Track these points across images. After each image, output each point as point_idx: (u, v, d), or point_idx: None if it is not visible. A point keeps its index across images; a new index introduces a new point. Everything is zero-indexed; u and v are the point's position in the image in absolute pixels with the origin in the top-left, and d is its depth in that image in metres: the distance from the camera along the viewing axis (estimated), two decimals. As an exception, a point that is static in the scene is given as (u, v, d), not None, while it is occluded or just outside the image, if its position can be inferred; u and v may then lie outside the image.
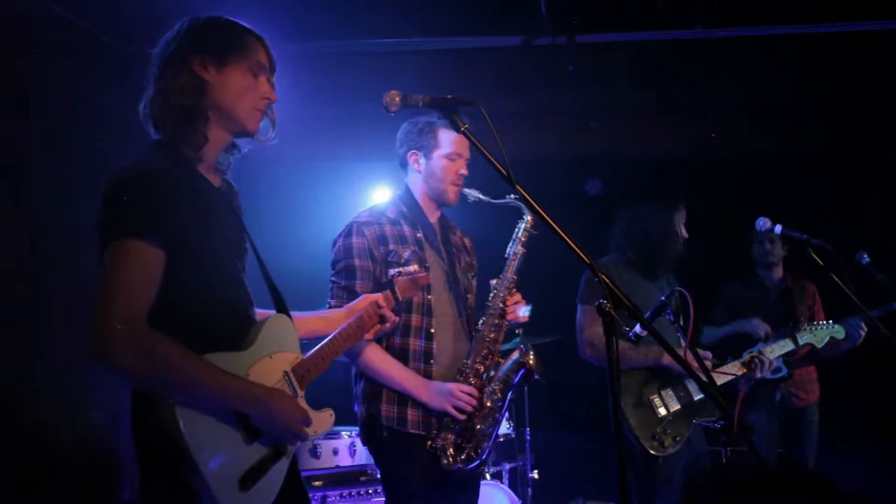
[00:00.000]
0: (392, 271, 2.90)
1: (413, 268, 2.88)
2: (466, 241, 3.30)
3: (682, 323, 3.04)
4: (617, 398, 2.13)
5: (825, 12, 4.63)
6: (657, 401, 3.58)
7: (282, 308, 2.35)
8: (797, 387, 4.67)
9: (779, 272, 4.93)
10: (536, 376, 3.02)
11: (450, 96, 2.24)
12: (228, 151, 2.26)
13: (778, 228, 3.86)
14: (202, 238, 2.05)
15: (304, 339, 2.41)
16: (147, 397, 1.96)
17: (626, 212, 3.88)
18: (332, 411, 2.37)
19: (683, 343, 2.93)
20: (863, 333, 4.29)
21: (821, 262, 3.69)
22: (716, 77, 5.20)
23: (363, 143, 5.32)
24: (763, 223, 3.90)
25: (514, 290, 3.09)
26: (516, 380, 3.01)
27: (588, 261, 2.16)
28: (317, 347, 2.38)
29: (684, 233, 3.79)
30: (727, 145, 5.63)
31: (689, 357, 2.78)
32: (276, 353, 2.22)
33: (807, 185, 5.64)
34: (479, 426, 2.93)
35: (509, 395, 3.02)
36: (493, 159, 2.28)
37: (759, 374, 3.80)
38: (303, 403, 2.24)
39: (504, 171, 2.25)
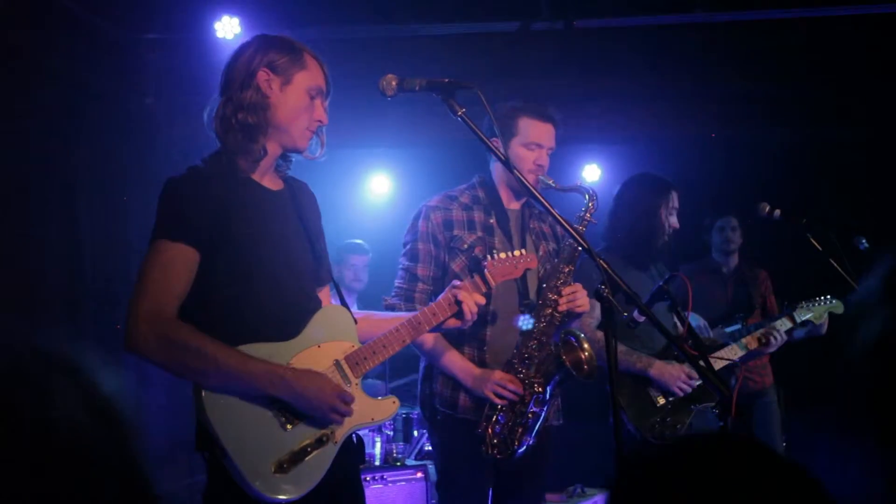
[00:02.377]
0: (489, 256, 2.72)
1: (519, 252, 2.72)
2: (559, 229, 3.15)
3: (679, 309, 3.01)
4: (614, 387, 2.12)
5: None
6: (655, 390, 3.55)
7: (345, 302, 2.43)
8: (751, 371, 4.65)
9: (735, 259, 4.95)
10: (574, 373, 2.77)
11: (447, 80, 2.23)
12: (284, 159, 2.37)
13: (777, 213, 3.86)
14: (243, 238, 2.17)
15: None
16: (194, 388, 2.10)
17: (615, 200, 3.83)
18: (395, 399, 2.39)
19: (681, 329, 2.91)
20: None
21: (819, 247, 3.67)
22: (716, 61, 5.17)
23: (359, 131, 5.28)
24: (763, 208, 3.89)
25: (571, 279, 2.95)
26: (558, 375, 2.85)
27: (585, 245, 2.16)
28: (379, 335, 2.38)
29: (673, 222, 3.69)
30: (726, 130, 5.60)
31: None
32: (327, 342, 2.27)
33: (806, 169, 5.62)
34: (520, 418, 2.88)
35: (549, 388, 2.86)
36: (489, 143, 2.27)
37: (769, 350, 3.78)
38: (357, 391, 2.26)
39: (502, 156, 2.24)
